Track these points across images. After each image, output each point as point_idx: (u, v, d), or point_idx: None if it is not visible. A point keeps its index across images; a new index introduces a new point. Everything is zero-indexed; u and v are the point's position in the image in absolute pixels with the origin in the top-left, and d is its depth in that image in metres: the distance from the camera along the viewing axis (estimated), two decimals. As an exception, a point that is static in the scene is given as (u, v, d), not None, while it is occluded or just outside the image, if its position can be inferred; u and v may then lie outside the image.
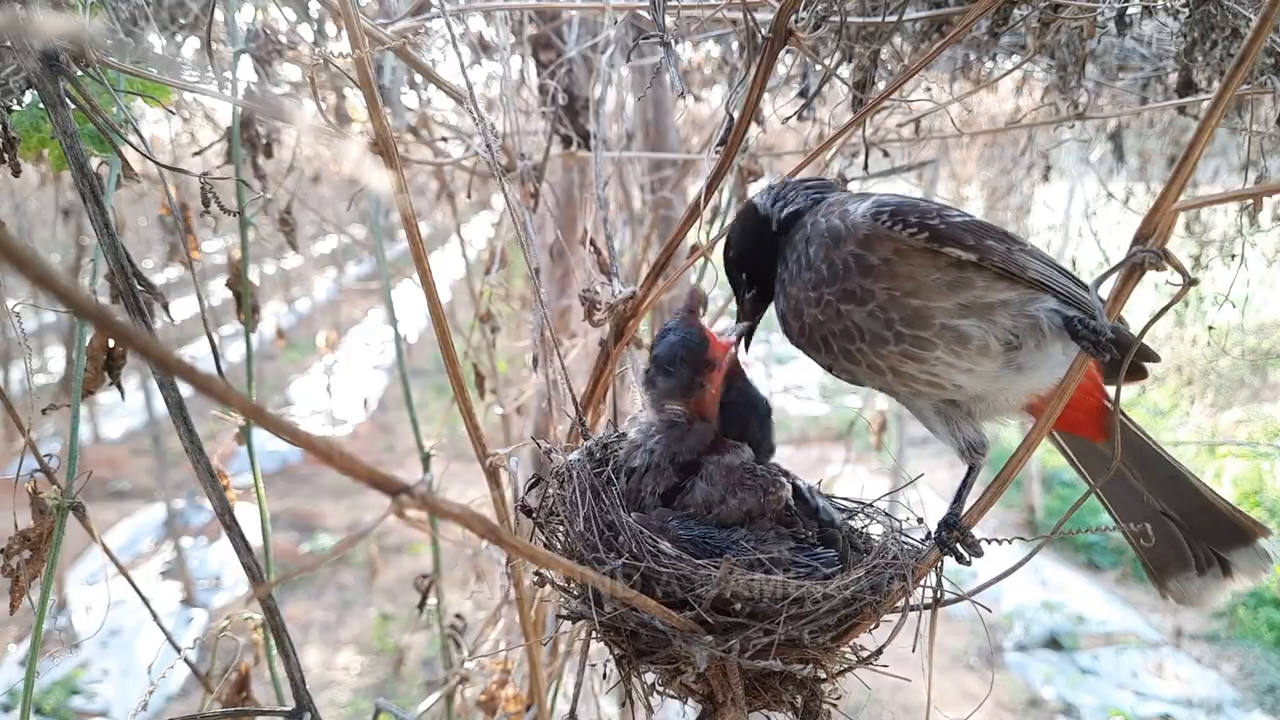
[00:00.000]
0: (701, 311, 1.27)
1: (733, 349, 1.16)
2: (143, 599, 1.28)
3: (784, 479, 1.12)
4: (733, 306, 1.77)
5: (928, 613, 1.07)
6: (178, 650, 1.27)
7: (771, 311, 1.18)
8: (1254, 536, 1.04)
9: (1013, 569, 1.06)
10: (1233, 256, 2.14)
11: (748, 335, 1.18)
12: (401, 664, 5.19)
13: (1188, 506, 1.05)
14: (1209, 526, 1.04)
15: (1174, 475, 1.06)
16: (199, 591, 5.88)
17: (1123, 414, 1.06)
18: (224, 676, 1.45)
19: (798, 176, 1.20)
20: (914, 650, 1.06)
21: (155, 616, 1.26)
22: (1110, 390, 1.07)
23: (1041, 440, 0.99)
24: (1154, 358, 1.03)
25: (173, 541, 5.88)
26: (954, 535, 1.02)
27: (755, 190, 2.11)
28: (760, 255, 1.14)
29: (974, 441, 1.07)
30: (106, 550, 1.20)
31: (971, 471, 1.08)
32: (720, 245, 1.34)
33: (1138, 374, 1.07)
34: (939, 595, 1.05)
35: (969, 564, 1.02)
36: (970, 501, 1.05)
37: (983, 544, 1.03)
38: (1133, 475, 1.07)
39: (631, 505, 1.10)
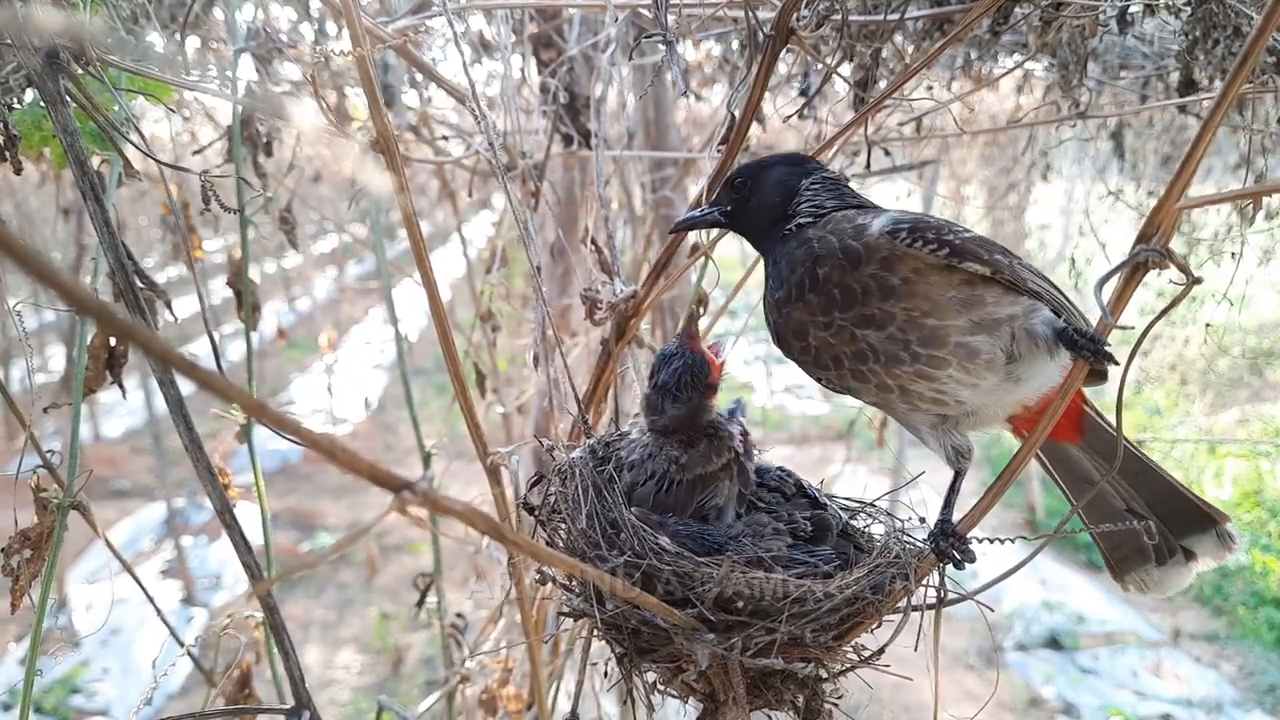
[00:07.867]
0: (701, 312, 1.27)
1: (722, 365, 1.18)
2: (145, 592, 1.28)
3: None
4: (732, 306, 1.78)
5: (930, 612, 1.08)
6: (180, 644, 1.27)
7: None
8: (1216, 522, 1.12)
9: (1014, 569, 1.09)
10: (1232, 255, 2.14)
11: (687, 226, 1.19)
12: (401, 663, 5.19)
13: (1156, 497, 1.13)
14: (1175, 514, 1.12)
15: (1143, 469, 1.12)
16: (199, 590, 5.88)
17: (1099, 415, 1.11)
18: (226, 674, 1.45)
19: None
20: (916, 650, 1.07)
21: (159, 610, 1.26)
22: (1087, 393, 1.12)
23: (1043, 439, 0.99)
24: (1114, 361, 1.03)
25: (173, 540, 5.88)
26: (950, 541, 1.04)
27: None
28: (751, 213, 1.12)
29: (961, 447, 1.10)
30: (110, 546, 1.20)
31: (958, 476, 1.12)
32: (721, 244, 1.34)
33: (1098, 377, 1.08)
34: (943, 595, 1.06)
35: (962, 568, 1.05)
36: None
37: (975, 547, 1.05)
38: (1103, 473, 1.12)
39: (630, 501, 1.11)
